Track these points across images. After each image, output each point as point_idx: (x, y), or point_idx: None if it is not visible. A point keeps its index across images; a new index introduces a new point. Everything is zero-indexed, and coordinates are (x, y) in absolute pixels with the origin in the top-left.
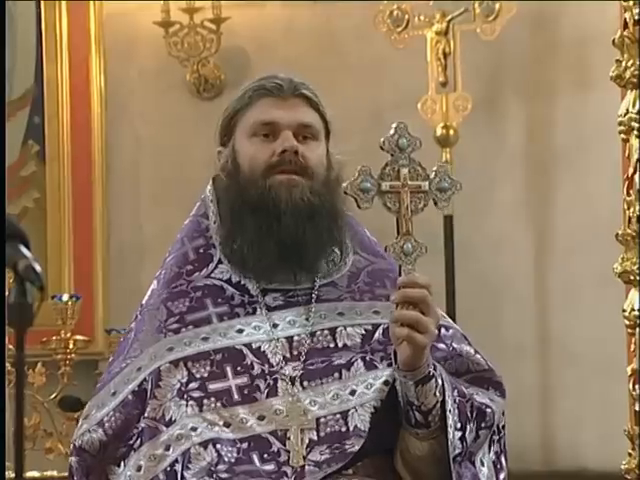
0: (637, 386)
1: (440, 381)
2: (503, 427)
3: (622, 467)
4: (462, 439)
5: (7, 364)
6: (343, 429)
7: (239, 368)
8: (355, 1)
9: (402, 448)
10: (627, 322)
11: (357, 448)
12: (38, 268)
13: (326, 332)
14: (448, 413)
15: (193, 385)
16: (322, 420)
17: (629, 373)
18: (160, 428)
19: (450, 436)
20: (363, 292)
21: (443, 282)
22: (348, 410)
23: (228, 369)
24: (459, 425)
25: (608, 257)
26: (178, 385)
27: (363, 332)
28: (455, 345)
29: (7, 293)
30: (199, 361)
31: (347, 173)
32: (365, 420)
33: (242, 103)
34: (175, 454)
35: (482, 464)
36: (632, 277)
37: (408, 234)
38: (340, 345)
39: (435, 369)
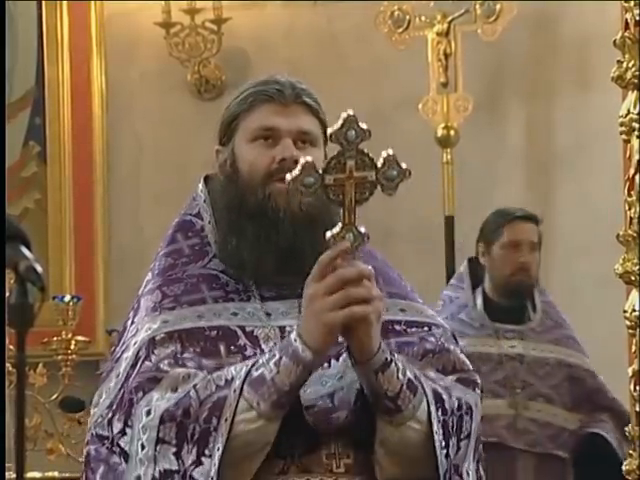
0: (638, 387)
1: (401, 365)
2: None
3: (623, 468)
4: (447, 456)
5: (8, 365)
6: (329, 405)
7: (232, 348)
8: (356, 1)
9: (381, 438)
10: (628, 323)
11: (344, 416)
12: (39, 269)
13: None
14: (435, 435)
15: (187, 355)
16: (311, 403)
17: (630, 374)
18: (159, 375)
19: (439, 458)
20: None
21: (443, 282)
22: (334, 391)
23: (222, 347)
24: (443, 444)
25: (608, 258)
26: (172, 354)
27: None
28: (444, 341)
29: (8, 294)
30: (194, 335)
31: None
32: (351, 398)
33: (243, 107)
34: (182, 392)
35: (467, 474)
36: (633, 278)
37: (350, 224)
38: None
39: (392, 354)
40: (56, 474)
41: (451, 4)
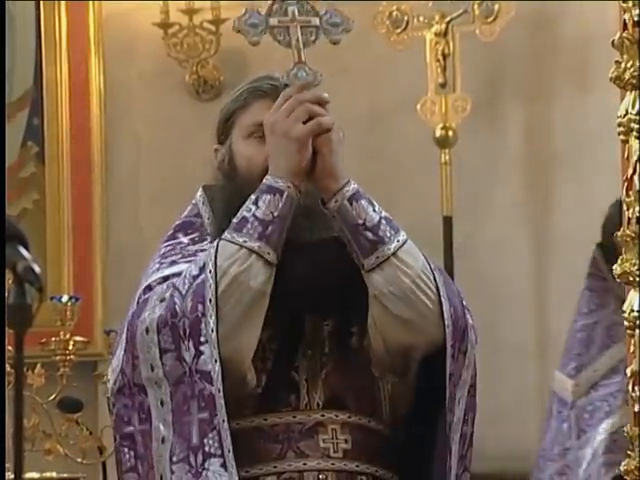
0: (637, 387)
1: (377, 204)
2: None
3: (621, 468)
4: (464, 422)
5: (6, 365)
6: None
7: None
8: (354, 1)
9: (374, 294)
10: (626, 323)
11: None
12: (37, 269)
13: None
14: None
15: (177, 251)
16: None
17: (629, 374)
18: (145, 296)
19: (447, 322)
20: None
21: None
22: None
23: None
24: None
25: None
26: (159, 261)
27: None
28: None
29: (6, 294)
30: (190, 226)
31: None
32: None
33: (238, 104)
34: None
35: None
36: (632, 278)
37: (301, 62)
38: None
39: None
40: (54, 474)
41: (449, 4)
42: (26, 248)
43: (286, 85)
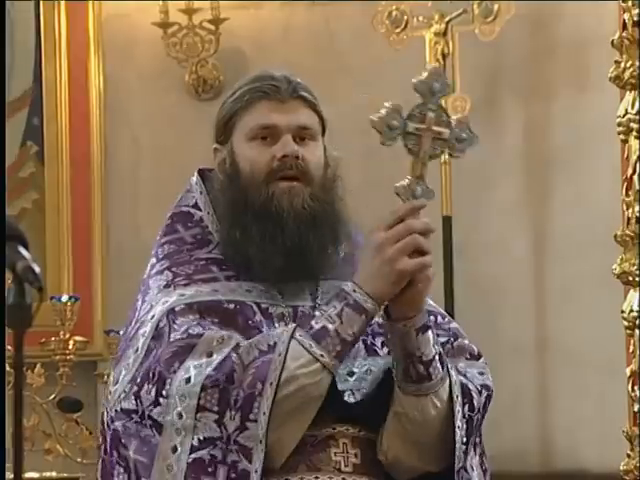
0: (636, 387)
1: (435, 335)
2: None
3: (621, 468)
4: (466, 452)
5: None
6: (352, 401)
7: (250, 322)
8: (354, 0)
9: (397, 411)
10: (626, 323)
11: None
12: (37, 269)
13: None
14: (457, 429)
15: (207, 324)
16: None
17: (628, 374)
18: (192, 342)
19: (457, 452)
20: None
21: (441, 283)
22: (344, 391)
23: (239, 320)
24: (464, 439)
25: (606, 258)
26: (196, 321)
27: None
28: (454, 330)
29: (6, 294)
30: (212, 307)
31: (342, 170)
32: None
33: (239, 105)
34: (220, 356)
35: (472, 469)
36: (631, 278)
37: (421, 178)
38: None
39: (429, 320)
40: (54, 474)
41: (449, 4)
42: (26, 248)
43: (294, 90)
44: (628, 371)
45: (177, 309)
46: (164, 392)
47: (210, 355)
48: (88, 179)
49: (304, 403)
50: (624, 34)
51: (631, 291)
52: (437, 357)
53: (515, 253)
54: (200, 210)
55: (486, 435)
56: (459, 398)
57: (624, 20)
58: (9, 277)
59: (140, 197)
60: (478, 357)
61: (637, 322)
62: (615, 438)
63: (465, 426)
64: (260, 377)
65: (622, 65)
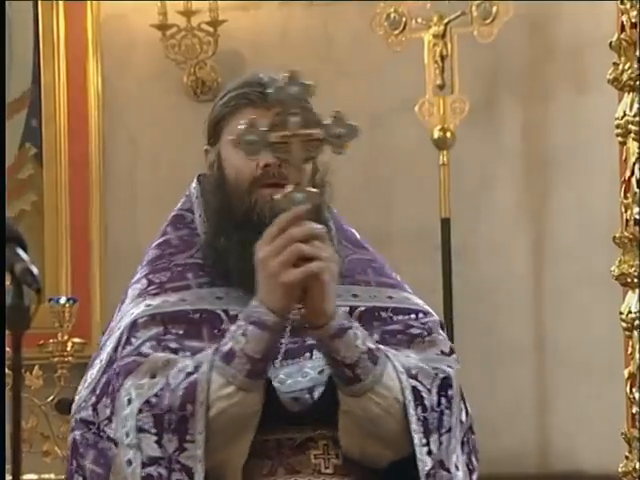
0: (635, 389)
1: (360, 334)
2: (471, 427)
3: (619, 470)
4: (429, 453)
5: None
6: (309, 401)
7: (215, 331)
8: (352, 1)
9: (344, 410)
10: (624, 325)
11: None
12: (35, 271)
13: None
14: (413, 433)
15: (170, 337)
16: (293, 395)
17: (626, 376)
18: (139, 360)
19: (419, 456)
20: (344, 277)
21: (440, 285)
22: (314, 385)
23: (204, 330)
24: (424, 441)
25: (604, 260)
26: (155, 336)
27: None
28: (430, 326)
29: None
30: (176, 318)
31: (342, 171)
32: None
33: (226, 110)
34: (162, 380)
35: (457, 468)
36: (629, 279)
37: (299, 184)
38: None
39: (352, 322)
40: (52, 476)
41: (447, 6)
42: (24, 250)
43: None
44: (626, 373)
45: (140, 321)
46: (114, 410)
47: (153, 376)
48: (86, 180)
49: (233, 424)
50: (622, 36)
51: (629, 293)
52: (364, 356)
53: (514, 255)
54: (193, 213)
55: (483, 437)
56: (412, 402)
57: (622, 22)
58: (8, 279)
59: (138, 198)
60: (450, 353)
61: (635, 324)
62: (613, 440)
63: (422, 428)
64: (189, 399)
65: (620, 67)
